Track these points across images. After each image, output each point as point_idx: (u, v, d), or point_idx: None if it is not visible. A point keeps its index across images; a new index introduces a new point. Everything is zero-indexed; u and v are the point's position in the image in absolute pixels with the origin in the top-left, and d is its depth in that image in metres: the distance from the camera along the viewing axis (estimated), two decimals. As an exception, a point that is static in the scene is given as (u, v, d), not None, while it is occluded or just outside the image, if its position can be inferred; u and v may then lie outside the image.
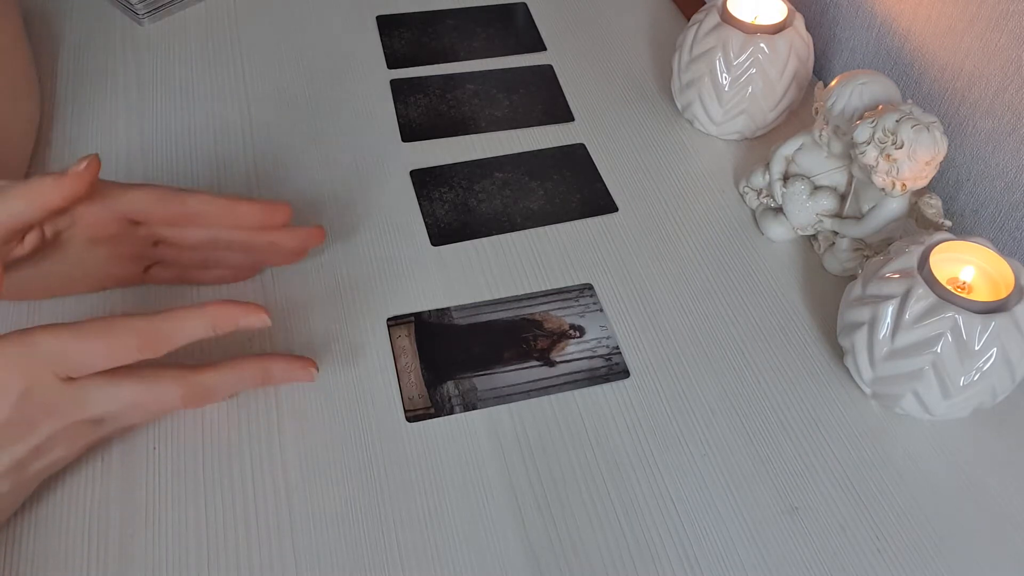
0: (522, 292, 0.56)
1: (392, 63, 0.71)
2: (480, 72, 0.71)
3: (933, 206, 0.52)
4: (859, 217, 0.55)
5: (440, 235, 0.59)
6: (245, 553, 0.44)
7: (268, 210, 0.52)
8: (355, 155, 0.64)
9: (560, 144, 0.66)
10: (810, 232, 0.59)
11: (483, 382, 0.51)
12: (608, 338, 0.54)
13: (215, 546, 0.44)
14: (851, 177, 0.56)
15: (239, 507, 0.46)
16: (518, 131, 0.67)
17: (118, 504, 0.45)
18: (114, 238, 0.50)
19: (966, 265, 0.48)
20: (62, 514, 0.45)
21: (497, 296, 0.56)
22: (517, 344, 0.53)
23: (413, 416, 0.50)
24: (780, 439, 0.50)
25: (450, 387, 0.51)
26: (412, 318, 0.54)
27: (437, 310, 0.55)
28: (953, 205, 0.62)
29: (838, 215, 0.57)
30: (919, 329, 0.46)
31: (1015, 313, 0.45)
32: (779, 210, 0.60)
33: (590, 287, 0.57)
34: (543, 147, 0.66)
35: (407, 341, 0.53)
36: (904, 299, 0.46)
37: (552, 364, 0.52)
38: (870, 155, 0.51)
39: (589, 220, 0.61)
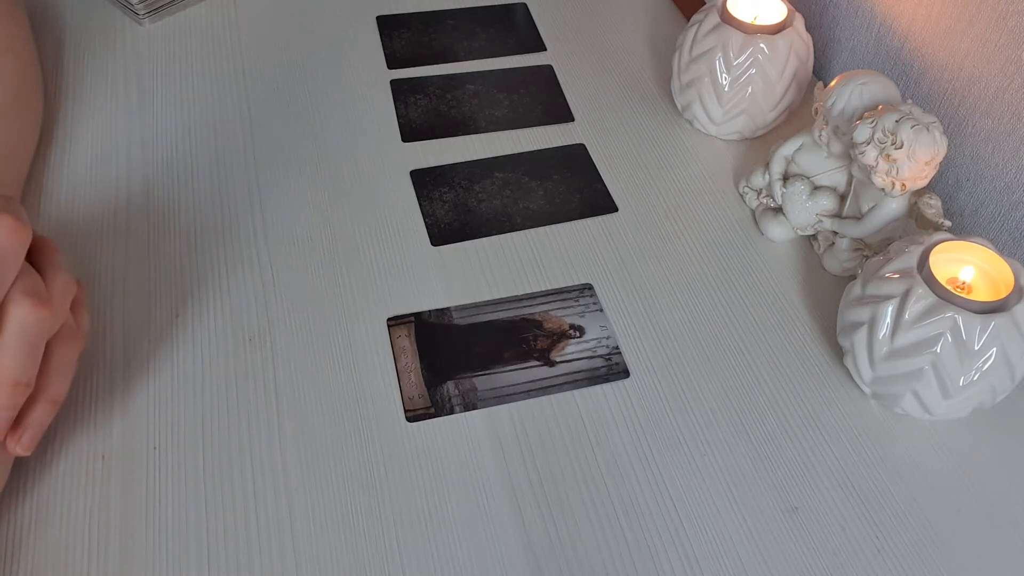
0: (522, 292, 0.56)
1: (392, 63, 0.71)
2: (480, 72, 0.71)
3: (933, 206, 0.52)
4: (859, 217, 0.55)
5: (440, 235, 0.59)
6: (245, 553, 0.44)
7: None
8: (355, 155, 0.64)
9: (560, 144, 0.66)
10: (810, 232, 0.59)
11: (483, 382, 0.51)
12: (608, 338, 0.54)
13: (215, 546, 0.44)
14: (851, 177, 0.56)
15: (239, 507, 0.46)
16: (518, 131, 0.67)
17: (118, 504, 0.45)
18: None
19: (966, 265, 0.48)
20: (62, 514, 0.45)
21: (497, 296, 0.56)
22: (517, 344, 0.53)
23: (413, 416, 0.50)
24: (780, 439, 0.50)
25: (450, 387, 0.51)
26: (412, 318, 0.54)
27: (437, 310, 0.55)
28: (953, 205, 0.62)
29: (838, 215, 0.57)
30: (919, 329, 0.46)
31: (1015, 313, 0.45)
32: (779, 210, 0.60)
33: (590, 287, 0.57)
34: (543, 147, 0.66)
35: (407, 341, 0.53)
36: (904, 299, 0.46)
37: (552, 364, 0.53)
38: (870, 155, 0.51)
39: (589, 220, 0.61)
